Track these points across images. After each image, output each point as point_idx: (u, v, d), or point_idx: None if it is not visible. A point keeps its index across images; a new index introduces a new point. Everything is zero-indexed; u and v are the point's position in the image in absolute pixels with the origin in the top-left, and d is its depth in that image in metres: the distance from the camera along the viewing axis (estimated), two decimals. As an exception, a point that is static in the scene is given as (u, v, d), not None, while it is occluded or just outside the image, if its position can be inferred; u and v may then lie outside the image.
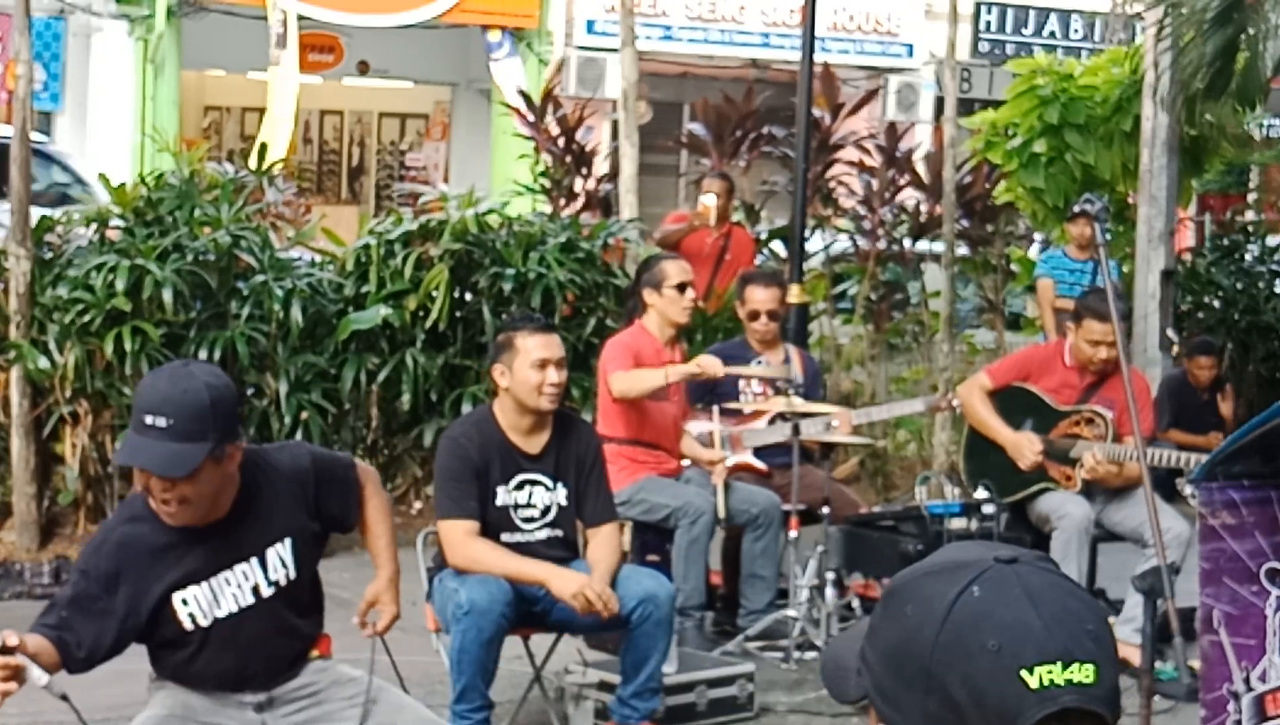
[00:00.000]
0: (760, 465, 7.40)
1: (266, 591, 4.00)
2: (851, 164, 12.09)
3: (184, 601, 3.93)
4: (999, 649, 1.56)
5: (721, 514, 6.87)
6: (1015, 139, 11.41)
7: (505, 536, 5.47)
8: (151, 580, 3.90)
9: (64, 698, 3.66)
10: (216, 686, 4.05)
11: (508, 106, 13.07)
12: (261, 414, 8.64)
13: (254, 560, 3.99)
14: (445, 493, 5.48)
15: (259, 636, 4.01)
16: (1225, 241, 13.16)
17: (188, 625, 3.95)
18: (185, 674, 4.04)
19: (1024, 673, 1.55)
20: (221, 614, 3.96)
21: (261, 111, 16.73)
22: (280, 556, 4.02)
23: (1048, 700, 1.54)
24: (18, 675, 3.58)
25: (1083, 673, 1.56)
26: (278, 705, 4.10)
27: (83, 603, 3.86)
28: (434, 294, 8.66)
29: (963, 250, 12.02)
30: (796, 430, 7.04)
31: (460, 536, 5.39)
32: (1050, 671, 1.55)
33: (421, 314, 8.73)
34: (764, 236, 11.52)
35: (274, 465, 4.07)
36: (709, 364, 6.90)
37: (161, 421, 3.76)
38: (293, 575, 4.03)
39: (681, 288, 6.97)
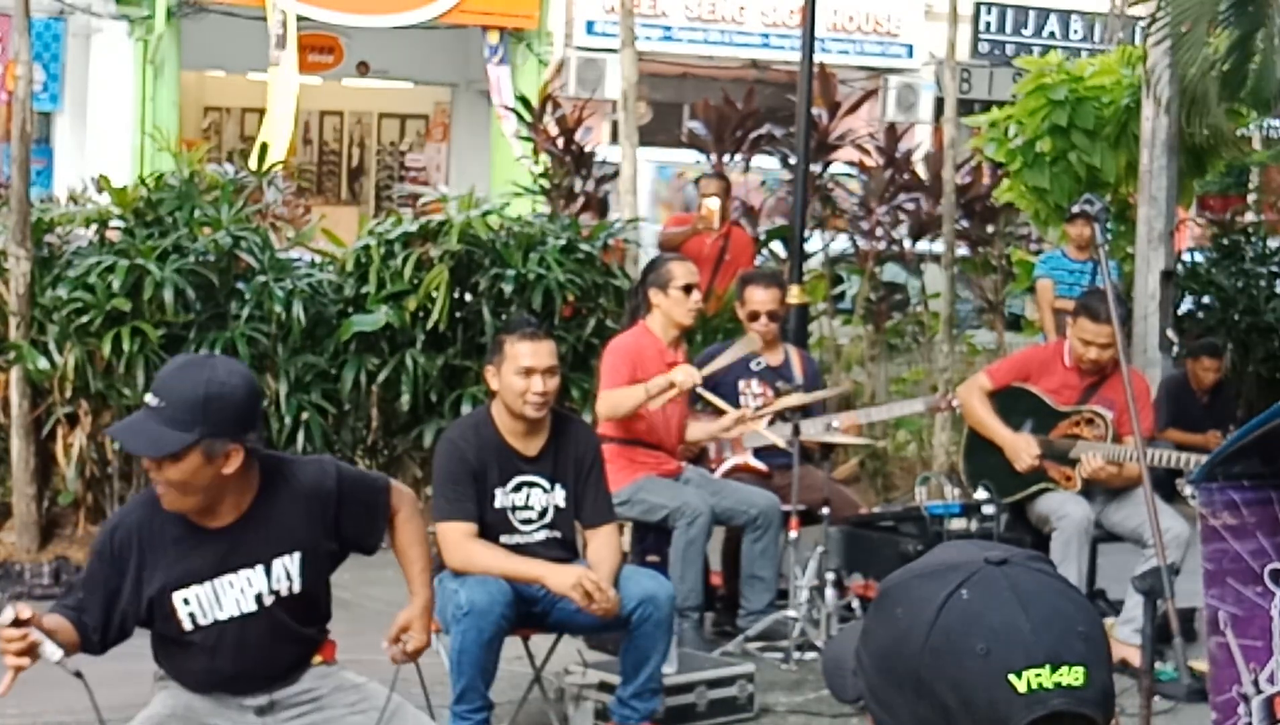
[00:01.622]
0: (760, 466, 7.39)
1: (268, 600, 3.97)
2: (851, 164, 12.09)
3: (185, 600, 3.92)
4: (987, 652, 1.55)
5: (780, 442, 6.99)
6: (1017, 138, 11.39)
7: (504, 538, 5.47)
8: (156, 570, 3.90)
9: (78, 674, 3.66)
10: (215, 688, 4.04)
11: (509, 110, 13.07)
12: (261, 415, 8.63)
13: (259, 568, 3.96)
14: (442, 495, 5.48)
15: (259, 643, 4.00)
16: (1225, 242, 13.16)
17: (187, 625, 3.94)
18: (184, 673, 4.04)
19: (1012, 676, 1.54)
20: (222, 617, 3.95)
21: (261, 112, 16.72)
22: (287, 568, 3.99)
23: (1036, 704, 1.54)
24: (31, 651, 3.58)
25: (1072, 675, 1.54)
26: (279, 709, 4.08)
27: (94, 584, 3.89)
28: (434, 295, 8.66)
29: (963, 251, 12.01)
30: (797, 431, 7.04)
31: (457, 539, 5.40)
32: (1039, 675, 1.54)
33: (421, 315, 8.73)
34: (763, 236, 11.52)
35: (297, 477, 4.04)
36: (685, 379, 6.81)
37: (155, 402, 3.80)
38: (297, 589, 4.01)
39: (687, 289, 6.96)
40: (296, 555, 3.99)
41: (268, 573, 3.97)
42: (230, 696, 4.05)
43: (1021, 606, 1.56)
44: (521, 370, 5.41)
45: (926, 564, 1.66)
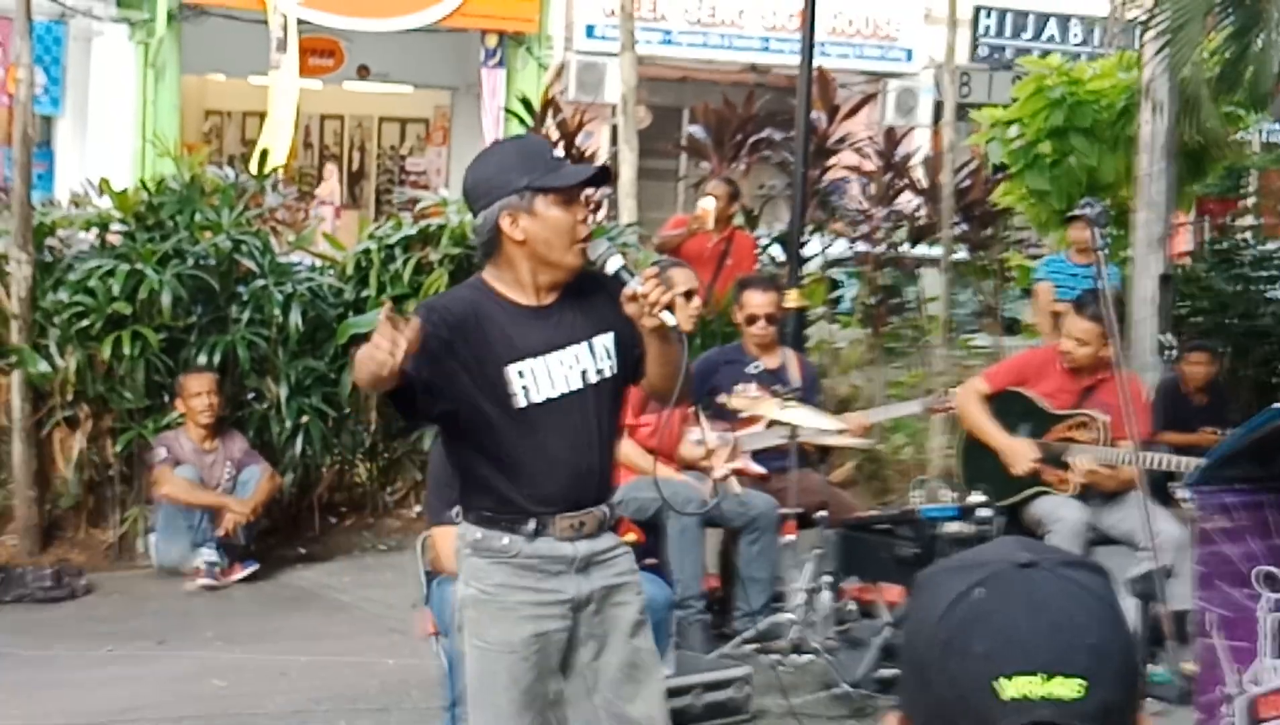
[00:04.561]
0: (758, 469, 7.41)
1: (593, 378, 4.06)
2: (850, 168, 12.11)
3: (520, 373, 4.00)
4: (985, 654, 1.53)
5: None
6: (1019, 139, 11.42)
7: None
8: (495, 342, 3.99)
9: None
10: (535, 485, 4.03)
11: (504, 111, 13.09)
12: (261, 418, 8.66)
13: (584, 344, 4.07)
14: (438, 498, 5.49)
15: (578, 429, 4.04)
16: (1223, 246, 13.18)
17: (520, 401, 3.99)
18: (505, 468, 4.03)
19: (1003, 680, 1.52)
20: (554, 394, 4.02)
21: (262, 116, 16.75)
22: (606, 347, 4.10)
23: (1021, 711, 1.51)
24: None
25: (1067, 687, 1.51)
26: (592, 569, 4.10)
27: (424, 351, 3.79)
28: (433, 298, 8.69)
29: (961, 254, 12.04)
30: (795, 433, 7.06)
31: (451, 543, 5.40)
32: (1029, 682, 1.51)
33: (421, 318, 8.75)
34: (766, 242, 11.54)
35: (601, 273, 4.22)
36: (728, 460, 6.95)
37: (561, 153, 4.00)
38: (615, 370, 4.10)
39: (687, 295, 6.97)
40: (610, 335, 4.11)
41: (591, 350, 4.08)
42: (549, 518, 4.03)
43: (1029, 611, 1.53)
44: None
45: (962, 559, 1.64)
